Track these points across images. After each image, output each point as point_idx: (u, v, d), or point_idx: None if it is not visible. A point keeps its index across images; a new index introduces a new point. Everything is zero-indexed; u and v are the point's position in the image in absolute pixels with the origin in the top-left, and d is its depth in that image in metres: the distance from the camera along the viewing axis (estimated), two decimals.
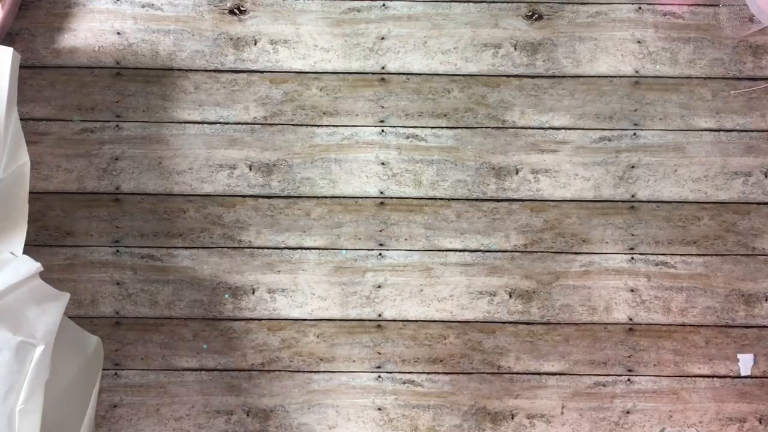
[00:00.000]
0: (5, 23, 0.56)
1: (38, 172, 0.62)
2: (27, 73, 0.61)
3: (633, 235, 1.02)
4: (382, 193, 0.81)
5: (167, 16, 0.60)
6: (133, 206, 0.64)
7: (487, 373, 0.85)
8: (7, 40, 0.61)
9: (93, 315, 0.64)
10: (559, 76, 0.85)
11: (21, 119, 0.61)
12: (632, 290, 0.97)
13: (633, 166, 1.04)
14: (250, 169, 0.91)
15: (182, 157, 0.62)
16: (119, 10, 0.60)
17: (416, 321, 0.91)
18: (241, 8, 0.89)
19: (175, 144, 0.63)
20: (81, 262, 0.63)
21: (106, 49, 0.61)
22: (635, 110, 1.06)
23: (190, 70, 0.59)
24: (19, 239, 0.52)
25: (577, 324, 0.76)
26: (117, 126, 0.64)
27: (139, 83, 0.63)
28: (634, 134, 1.04)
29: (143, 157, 0.63)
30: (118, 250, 0.62)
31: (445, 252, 0.92)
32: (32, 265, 0.51)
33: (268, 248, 0.85)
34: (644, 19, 1.06)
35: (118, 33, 0.60)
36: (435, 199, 0.90)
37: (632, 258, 1.01)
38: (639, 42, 1.06)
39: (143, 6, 0.61)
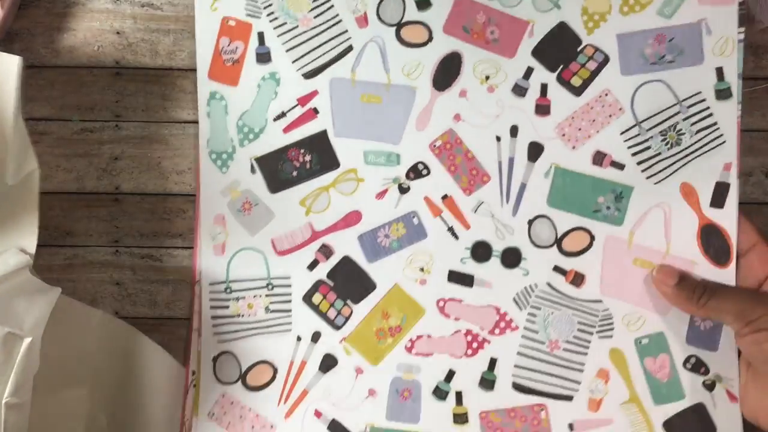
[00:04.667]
0: (5, 23, 0.54)
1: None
2: (27, 72, 0.57)
3: None
4: None
5: (167, 16, 0.58)
6: (133, 206, 0.58)
7: None
8: (7, 40, 0.57)
9: None
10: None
11: None
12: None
13: None
14: None
15: (182, 157, 0.56)
16: (119, 9, 0.57)
17: None
18: None
19: (175, 144, 0.57)
20: (80, 262, 0.58)
21: (106, 48, 0.57)
22: None
23: (190, 70, 0.59)
24: (30, 247, 0.50)
25: None
26: (116, 126, 0.57)
27: (139, 83, 0.57)
28: None
29: (143, 157, 0.58)
30: (117, 250, 0.58)
31: None
32: (21, 258, 0.49)
33: None
34: None
35: (118, 33, 0.58)
36: None
37: None
38: None
39: (143, 6, 0.58)
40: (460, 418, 0.56)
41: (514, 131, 0.55)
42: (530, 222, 0.55)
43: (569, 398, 0.55)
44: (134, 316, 0.58)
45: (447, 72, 0.54)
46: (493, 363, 0.56)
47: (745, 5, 0.55)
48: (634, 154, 0.55)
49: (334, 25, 0.55)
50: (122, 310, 0.58)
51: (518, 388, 0.56)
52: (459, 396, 0.56)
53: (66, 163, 0.58)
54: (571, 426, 0.55)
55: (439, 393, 0.56)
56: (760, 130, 0.58)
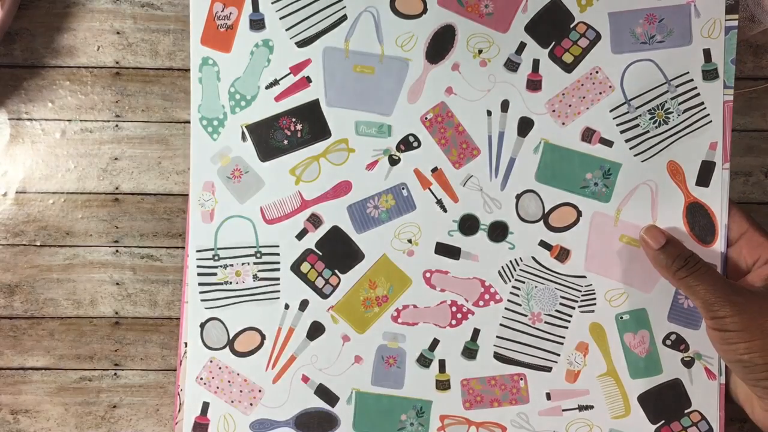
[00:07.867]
0: (4, 23, 0.55)
1: (38, 172, 0.58)
2: (27, 73, 0.58)
3: None
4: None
5: (167, 16, 0.58)
6: (133, 206, 0.58)
7: None
8: (7, 40, 0.58)
9: (92, 315, 0.60)
10: None
11: (20, 119, 0.57)
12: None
13: None
14: None
15: (182, 157, 0.58)
16: (119, 9, 0.58)
17: None
18: None
19: (175, 144, 0.58)
20: (80, 262, 0.58)
21: (106, 48, 0.58)
22: None
23: (190, 69, 0.59)
24: None
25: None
26: (116, 126, 0.58)
27: (139, 83, 0.58)
28: None
29: (143, 157, 0.58)
30: (117, 250, 0.58)
31: None
32: None
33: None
34: None
35: (118, 33, 0.58)
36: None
37: None
38: None
39: (143, 6, 0.58)
40: (443, 385, 0.57)
41: (504, 106, 0.55)
42: (518, 196, 0.56)
43: (548, 369, 0.57)
44: (134, 316, 0.58)
45: (440, 45, 0.55)
46: (476, 333, 0.57)
47: (746, 6, 0.55)
48: (622, 132, 0.56)
49: None
50: (122, 310, 0.58)
51: (499, 358, 0.57)
52: (442, 364, 0.57)
53: (66, 163, 0.58)
54: (548, 395, 0.57)
55: (423, 360, 0.57)
56: (760, 130, 0.58)
